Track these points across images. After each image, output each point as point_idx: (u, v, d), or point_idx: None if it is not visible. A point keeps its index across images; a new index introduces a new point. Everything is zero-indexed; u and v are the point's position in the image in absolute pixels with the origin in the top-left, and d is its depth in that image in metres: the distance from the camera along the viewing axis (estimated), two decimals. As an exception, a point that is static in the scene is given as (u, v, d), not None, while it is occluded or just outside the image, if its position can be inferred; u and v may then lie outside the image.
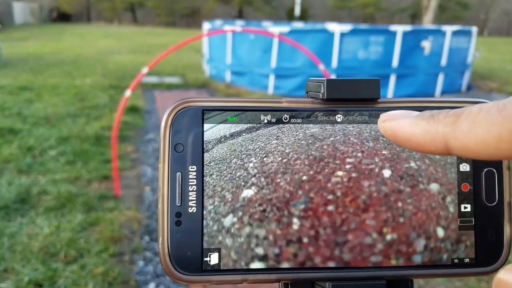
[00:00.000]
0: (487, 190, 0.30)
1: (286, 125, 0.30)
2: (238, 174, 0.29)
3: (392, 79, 6.05)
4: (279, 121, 0.30)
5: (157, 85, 6.53)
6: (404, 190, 0.29)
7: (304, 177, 0.29)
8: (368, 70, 5.89)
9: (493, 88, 7.20)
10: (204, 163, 0.29)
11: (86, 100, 5.19)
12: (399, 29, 5.88)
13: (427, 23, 14.31)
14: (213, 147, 0.29)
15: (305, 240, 0.29)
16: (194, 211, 0.28)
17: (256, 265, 0.28)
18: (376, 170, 0.29)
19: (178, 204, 0.28)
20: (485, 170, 0.30)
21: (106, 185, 2.80)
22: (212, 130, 0.29)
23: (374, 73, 5.83)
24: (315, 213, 0.29)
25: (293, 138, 0.29)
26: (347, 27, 5.96)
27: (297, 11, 18.03)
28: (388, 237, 0.29)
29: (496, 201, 0.30)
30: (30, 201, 2.49)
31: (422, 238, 0.29)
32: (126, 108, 4.29)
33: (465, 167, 0.30)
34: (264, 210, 0.28)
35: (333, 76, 4.25)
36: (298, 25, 9.18)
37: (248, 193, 0.29)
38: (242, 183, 0.29)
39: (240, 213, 0.28)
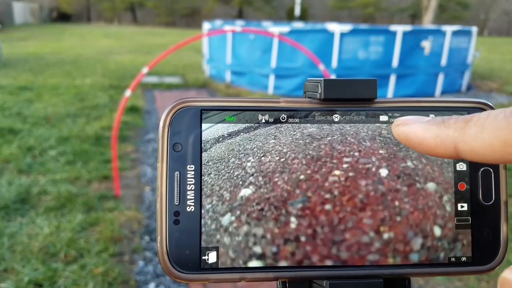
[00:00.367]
0: (483, 189, 0.30)
1: (284, 125, 0.30)
2: (236, 173, 0.29)
3: (392, 79, 6.05)
4: (277, 121, 0.30)
5: (157, 85, 6.53)
6: (401, 189, 0.29)
7: (302, 176, 0.29)
8: (368, 70, 5.89)
9: (493, 88, 7.20)
10: (202, 163, 0.29)
11: (86, 100, 5.19)
12: (399, 29, 5.88)
13: (427, 23, 14.31)
14: (211, 147, 0.29)
15: (303, 238, 0.29)
16: (192, 210, 0.29)
17: (254, 263, 0.29)
18: (373, 169, 0.29)
19: (177, 203, 0.29)
20: (482, 169, 0.30)
21: (106, 185, 2.80)
22: (210, 130, 0.29)
23: (374, 73, 5.83)
24: (313, 212, 0.29)
25: (290, 138, 0.30)
26: (347, 27, 5.96)
27: (297, 11, 18.03)
28: (385, 235, 0.29)
29: (493, 200, 0.30)
30: (30, 201, 2.49)
31: (419, 236, 0.29)
32: (126, 108, 4.30)
33: (461, 167, 0.30)
34: (262, 209, 0.29)
35: (333, 76, 4.25)
36: (298, 25, 9.18)
37: (246, 192, 0.29)
38: (240, 182, 0.29)
39: (238, 212, 0.29)
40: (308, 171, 0.29)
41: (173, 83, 6.73)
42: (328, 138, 0.30)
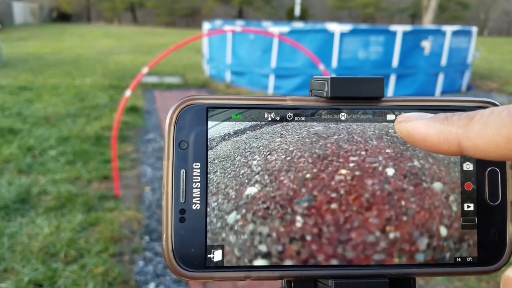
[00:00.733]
0: (490, 189, 0.30)
1: (290, 123, 0.30)
2: (242, 171, 0.29)
3: (392, 79, 6.05)
4: (283, 119, 0.30)
5: (157, 85, 6.53)
6: (408, 188, 0.29)
7: (308, 175, 0.29)
8: (368, 70, 5.89)
9: (493, 88, 7.20)
10: (208, 161, 0.29)
11: (86, 100, 5.19)
12: (399, 29, 5.88)
13: (427, 23, 14.32)
14: (217, 145, 0.29)
15: (308, 237, 0.29)
16: (198, 208, 0.29)
17: (259, 262, 0.28)
18: (380, 168, 0.29)
19: (182, 201, 0.29)
20: (489, 169, 0.30)
21: (106, 185, 2.80)
22: (216, 128, 0.29)
23: (374, 73, 5.83)
24: (319, 211, 0.29)
25: (297, 136, 0.29)
26: (347, 27, 5.96)
27: (297, 11, 18.04)
28: (391, 235, 0.29)
29: (499, 200, 0.30)
30: (30, 201, 2.49)
31: (425, 236, 0.29)
32: (126, 108, 4.29)
33: (468, 166, 0.30)
34: (268, 208, 0.29)
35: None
36: (298, 25, 9.19)
37: (251, 190, 0.29)
38: (246, 181, 0.29)
39: (244, 211, 0.28)
40: (314, 170, 0.29)
41: (173, 83, 6.73)
42: (335, 137, 0.29)
